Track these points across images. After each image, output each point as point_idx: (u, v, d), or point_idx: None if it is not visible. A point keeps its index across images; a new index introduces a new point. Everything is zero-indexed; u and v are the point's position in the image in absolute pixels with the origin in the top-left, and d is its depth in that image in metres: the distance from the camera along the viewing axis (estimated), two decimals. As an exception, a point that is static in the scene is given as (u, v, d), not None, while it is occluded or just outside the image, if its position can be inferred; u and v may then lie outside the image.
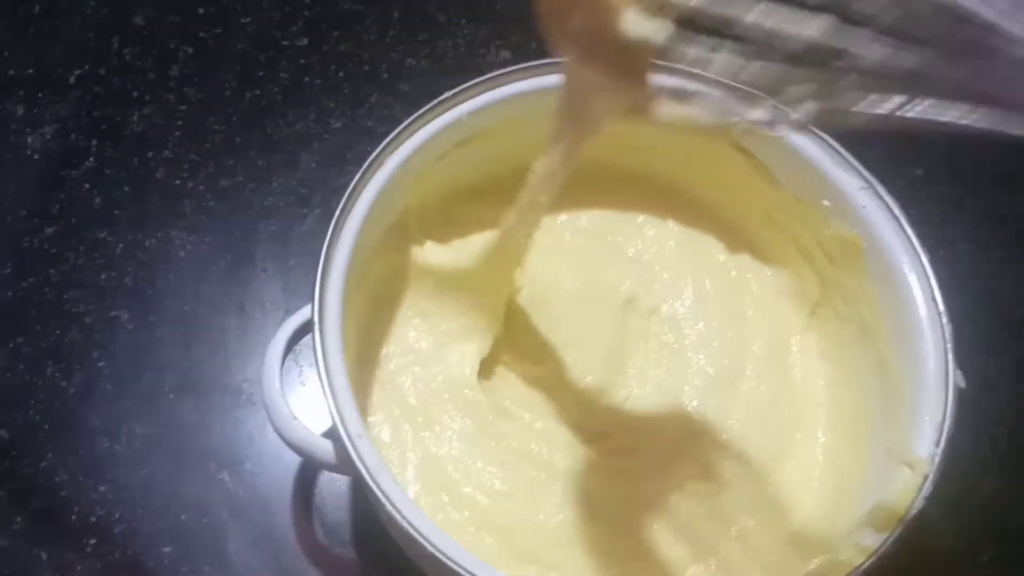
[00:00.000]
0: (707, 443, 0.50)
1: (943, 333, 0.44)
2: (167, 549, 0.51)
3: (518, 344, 0.53)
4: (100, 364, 0.56)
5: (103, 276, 0.59)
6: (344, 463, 0.39)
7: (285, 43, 0.68)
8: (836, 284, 0.51)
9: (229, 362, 0.56)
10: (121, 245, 0.60)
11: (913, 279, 0.46)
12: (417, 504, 0.39)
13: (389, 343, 0.51)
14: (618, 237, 0.57)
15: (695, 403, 0.51)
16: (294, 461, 0.53)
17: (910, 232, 0.47)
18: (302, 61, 0.67)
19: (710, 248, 0.56)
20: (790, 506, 0.49)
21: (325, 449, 0.42)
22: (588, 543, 0.47)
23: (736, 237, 0.57)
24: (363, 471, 0.38)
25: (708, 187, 0.56)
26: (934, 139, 0.68)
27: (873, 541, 0.38)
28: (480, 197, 0.55)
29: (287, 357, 0.53)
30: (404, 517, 0.37)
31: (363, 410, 0.49)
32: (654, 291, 0.55)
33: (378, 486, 0.38)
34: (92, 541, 0.51)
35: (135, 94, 0.65)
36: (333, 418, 0.39)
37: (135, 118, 0.64)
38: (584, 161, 0.55)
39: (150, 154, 0.63)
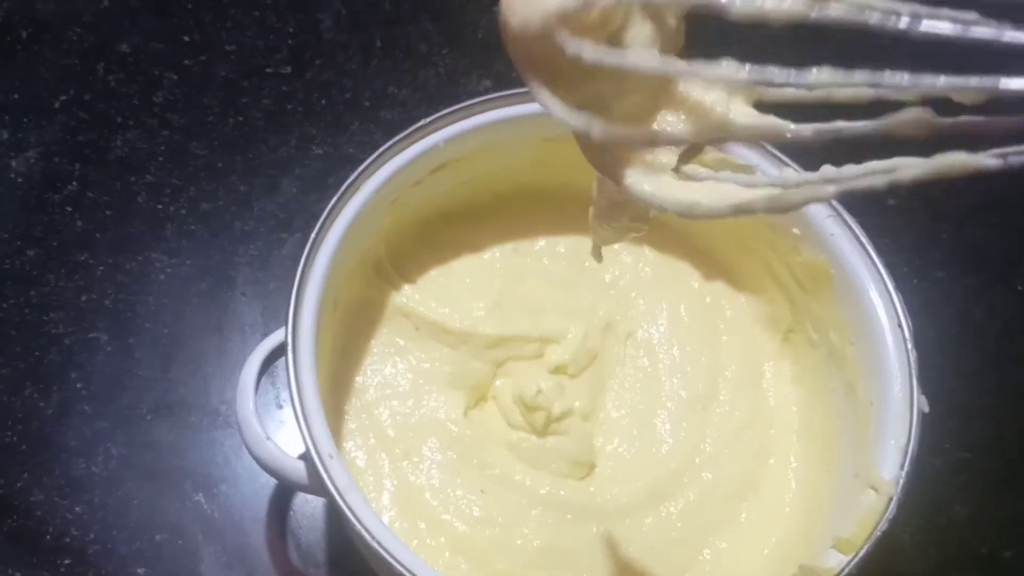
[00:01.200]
0: (681, 467, 0.51)
1: (908, 359, 0.44)
2: (141, 571, 0.51)
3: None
4: (78, 385, 0.56)
5: (83, 298, 0.59)
6: (315, 484, 0.40)
7: (268, 71, 0.69)
8: (807, 310, 0.52)
9: (207, 384, 0.57)
10: (102, 268, 0.60)
11: (879, 305, 0.46)
12: (392, 529, 0.39)
13: (366, 373, 0.52)
14: (595, 263, 0.57)
15: (668, 427, 0.52)
16: (269, 483, 0.54)
17: (876, 260, 0.47)
18: (285, 88, 0.68)
19: (685, 275, 0.57)
20: (763, 529, 0.49)
21: (297, 469, 0.43)
22: (564, 567, 0.47)
23: (711, 264, 0.58)
24: (333, 491, 0.38)
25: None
26: (906, 169, 0.70)
27: (837, 563, 0.39)
28: (457, 221, 0.56)
29: (263, 380, 0.54)
30: (374, 537, 0.37)
31: (337, 435, 0.49)
32: (630, 316, 0.56)
33: (348, 506, 0.38)
34: (66, 561, 0.51)
35: (119, 119, 0.66)
36: (304, 438, 0.39)
37: (119, 143, 0.65)
38: (561, 187, 0.57)
39: (133, 178, 0.64)
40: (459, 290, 0.55)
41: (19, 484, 0.53)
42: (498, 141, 0.52)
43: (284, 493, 0.53)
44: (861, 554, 0.39)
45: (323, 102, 0.68)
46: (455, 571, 0.46)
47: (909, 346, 0.45)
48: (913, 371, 0.44)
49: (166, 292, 0.60)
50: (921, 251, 0.65)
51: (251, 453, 0.44)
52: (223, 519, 0.53)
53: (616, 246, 0.58)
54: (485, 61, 0.70)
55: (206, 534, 0.52)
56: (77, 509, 0.53)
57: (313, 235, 0.45)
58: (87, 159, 0.64)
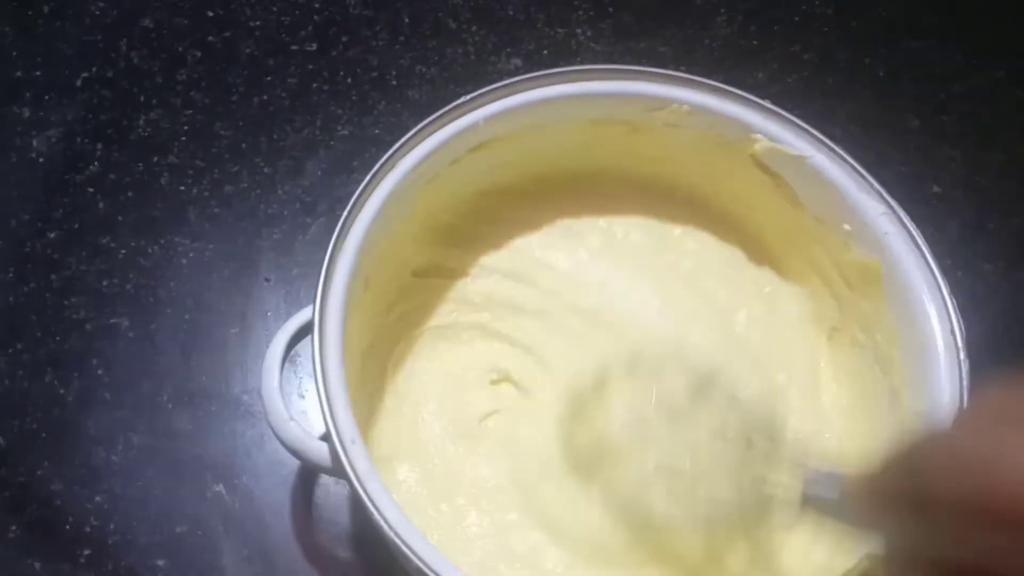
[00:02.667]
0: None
1: (960, 370, 0.42)
2: (161, 563, 0.50)
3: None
4: (99, 372, 0.55)
5: (104, 283, 0.58)
6: (337, 467, 0.39)
7: (294, 48, 0.68)
8: (854, 310, 0.50)
9: (229, 372, 0.56)
10: (123, 251, 0.59)
11: (932, 311, 0.44)
12: (411, 519, 0.38)
13: (399, 360, 0.50)
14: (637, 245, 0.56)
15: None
16: (291, 475, 0.53)
17: (932, 262, 0.45)
18: (310, 66, 0.67)
19: (733, 259, 0.55)
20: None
21: (320, 451, 0.41)
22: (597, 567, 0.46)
23: (759, 254, 0.56)
24: (352, 476, 0.37)
25: (730, 204, 0.55)
26: (952, 155, 0.67)
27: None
28: (500, 203, 0.55)
29: (287, 366, 0.53)
30: (390, 525, 0.36)
31: (366, 418, 0.48)
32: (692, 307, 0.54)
33: (367, 494, 0.37)
34: (86, 552, 0.50)
35: (142, 98, 0.65)
36: (326, 419, 0.38)
37: (141, 122, 0.64)
38: (606, 171, 0.55)
39: (155, 159, 0.62)
40: (505, 269, 0.54)
41: (39, 472, 0.52)
42: (541, 122, 0.50)
43: (306, 484, 0.53)
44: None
45: (349, 80, 0.66)
46: (475, 563, 0.45)
47: (962, 356, 0.42)
48: (965, 384, 0.41)
49: (188, 277, 0.59)
50: (967, 242, 0.62)
51: (275, 432, 0.43)
52: (244, 511, 0.52)
53: (676, 231, 0.56)
54: (515, 39, 0.68)
55: (227, 526, 0.51)
56: (97, 499, 0.52)
57: (346, 212, 0.43)
58: (109, 139, 0.63)
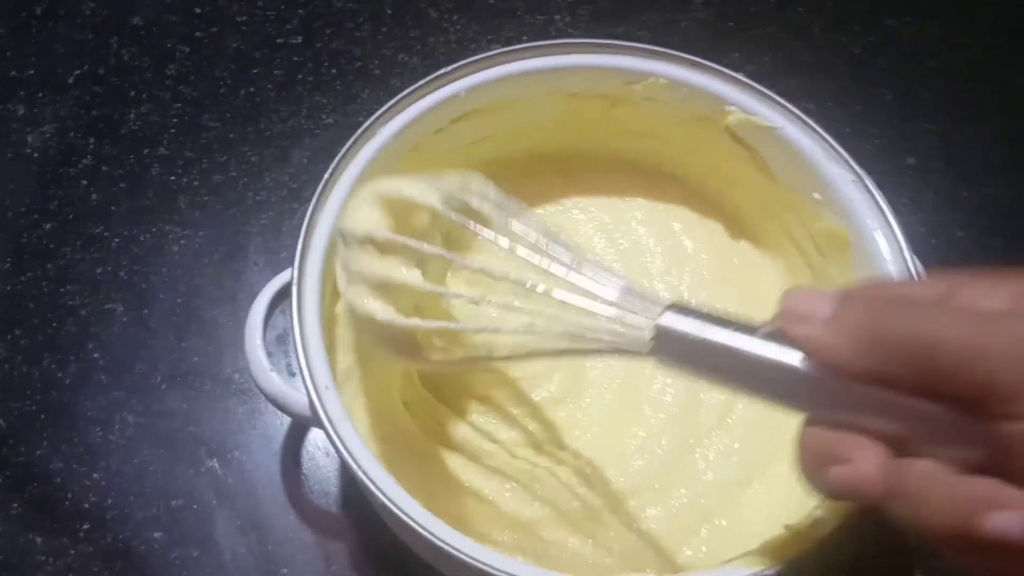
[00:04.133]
0: (698, 443, 0.50)
1: None
2: (157, 535, 0.52)
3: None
4: (95, 355, 0.57)
5: (99, 270, 0.60)
6: (315, 416, 0.40)
7: (279, 41, 0.69)
8: (826, 277, 0.51)
9: (221, 353, 0.57)
10: (116, 240, 0.61)
11: (893, 272, 0.45)
12: (384, 464, 0.40)
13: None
14: (622, 222, 0.57)
15: (692, 399, 0.51)
16: (281, 449, 0.54)
17: (896, 228, 0.46)
18: (295, 58, 0.68)
19: (714, 236, 0.57)
20: (766, 507, 0.48)
21: (297, 400, 0.43)
22: (560, 530, 0.47)
23: (737, 227, 0.57)
24: (326, 422, 0.39)
25: (709, 177, 0.57)
26: (927, 128, 0.68)
27: (823, 524, 0.38)
28: (484, 170, 0.56)
29: (277, 349, 0.55)
30: (362, 469, 0.38)
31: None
32: (659, 275, 0.55)
33: (339, 438, 0.39)
34: (85, 527, 0.52)
35: (132, 93, 0.67)
36: (300, 367, 0.40)
37: (132, 116, 0.66)
38: (588, 147, 0.56)
39: (146, 151, 0.64)
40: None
41: (39, 452, 0.54)
42: (522, 94, 0.52)
43: (295, 455, 0.54)
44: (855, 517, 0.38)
45: (333, 71, 0.68)
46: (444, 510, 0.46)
47: None
48: None
49: (180, 263, 0.60)
50: (941, 210, 0.64)
51: (257, 385, 0.45)
52: (236, 484, 0.53)
53: (652, 205, 0.58)
54: (495, 26, 0.70)
55: (220, 499, 0.53)
56: (95, 476, 0.54)
57: (328, 173, 0.46)
58: (101, 133, 0.65)
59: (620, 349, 0.34)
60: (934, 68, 0.69)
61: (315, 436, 0.55)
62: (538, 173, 0.57)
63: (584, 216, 0.57)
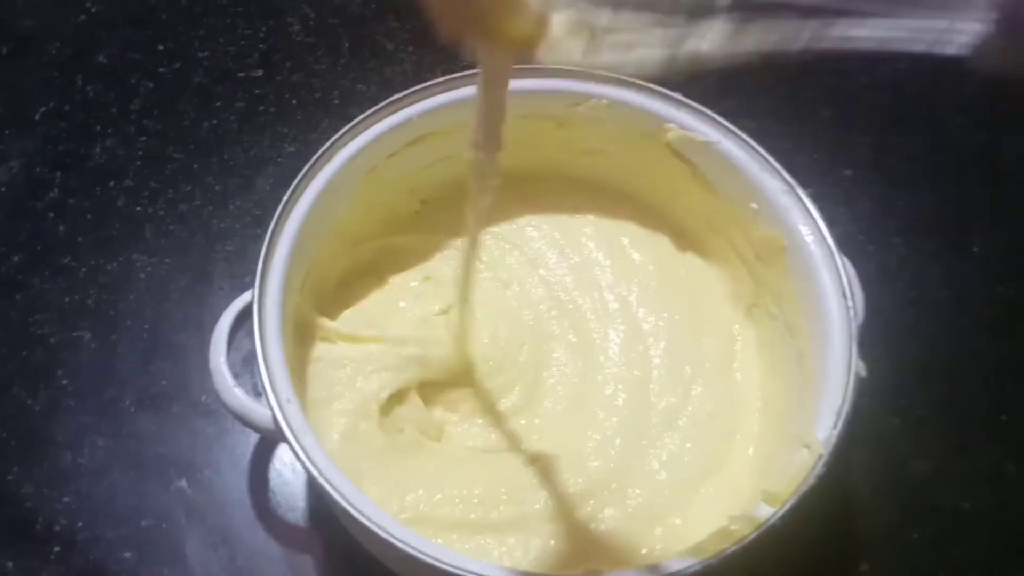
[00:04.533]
0: (651, 444, 0.52)
1: (850, 326, 0.46)
2: (128, 554, 0.53)
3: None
4: (64, 382, 0.58)
5: (67, 299, 0.61)
6: (278, 429, 0.42)
7: (241, 75, 0.72)
8: (766, 284, 0.54)
9: (188, 376, 0.59)
10: (84, 269, 0.63)
11: (826, 276, 0.48)
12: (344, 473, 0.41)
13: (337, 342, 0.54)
14: (573, 238, 0.60)
15: (640, 403, 0.53)
16: (249, 467, 0.56)
17: (825, 231, 0.49)
18: (257, 91, 0.71)
19: (661, 248, 0.59)
20: (718, 505, 0.50)
21: (260, 414, 0.45)
22: (513, 534, 0.49)
23: (683, 240, 0.60)
24: (288, 432, 0.41)
25: (656, 192, 0.59)
26: (861, 141, 0.72)
27: (764, 514, 0.40)
28: (440, 191, 0.58)
29: (243, 371, 0.56)
30: (326, 479, 0.40)
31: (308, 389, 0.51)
32: (607, 287, 0.58)
33: (303, 448, 0.40)
34: (56, 549, 0.53)
35: (98, 127, 0.69)
36: (263, 381, 0.42)
37: (98, 150, 0.68)
38: (539, 167, 0.59)
39: (112, 183, 0.66)
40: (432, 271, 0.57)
41: (9, 477, 0.55)
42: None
43: (263, 472, 0.56)
44: (787, 507, 0.40)
45: (294, 102, 0.70)
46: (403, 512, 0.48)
47: (851, 313, 0.46)
48: (854, 338, 0.45)
49: (146, 290, 0.62)
50: (877, 219, 0.67)
51: (221, 401, 0.46)
52: (206, 502, 0.55)
53: (600, 221, 0.60)
54: (449, 56, 0.71)
55: (190, 517, 0.54)
56: (66, 499, 0.55)
57: (285, 197, 0.48)
58: (68, 167, 0.67)
59: None
60: (865, 84, 0.73)
61: (282, 452, 0.56)
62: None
63: (537, 232, 0.60)
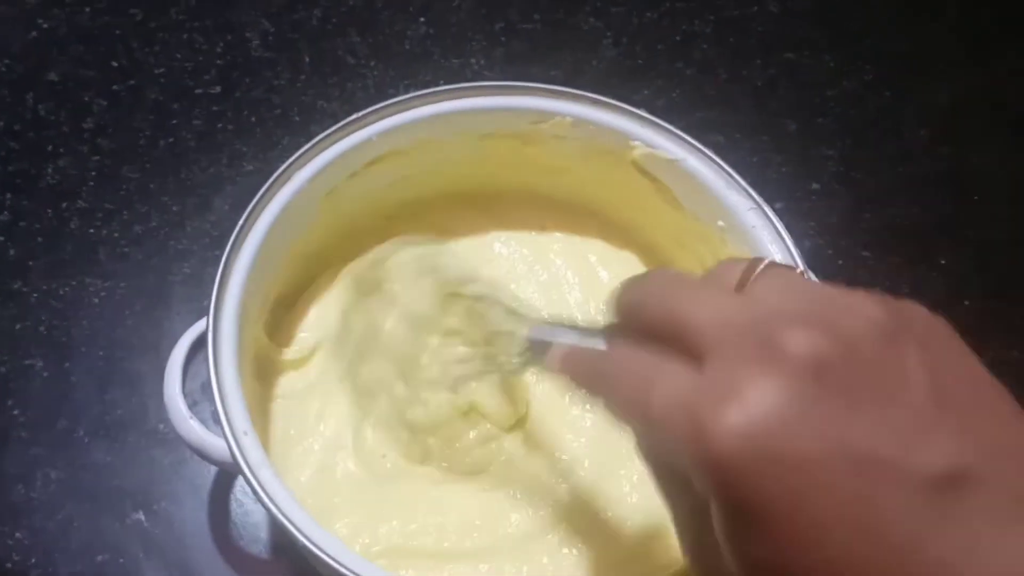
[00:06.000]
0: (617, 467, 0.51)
1: None
2: (83, 592, 0.51)
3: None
4: (15, 412, 0.56)
5: (17, 326, 0.59)
6: (234, 460, 0.41)
7: (198, 91, 0.70)
8: None
9: (145, 404, 0.57)
10: (35, 295, 0.61)
11: None
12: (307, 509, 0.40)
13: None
14: (541, 255, 0.59)
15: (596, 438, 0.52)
16: (209, 498, 0.54)
17: (793, 250, 0.48)
18: (215, 108, 0.69)
19: (629, 266, 0.58)
20: None
21: (217, 446, 0.44)
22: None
23: (651, 257, 0.59)
24: (244, 467, 0.39)
25: (623, 210, 0.59)
26: (828, 155, 0.71)
27: None
28: (403, 210, 0.57)
29: (201, 398, 0.55)
30: (283, 513, 0.38)
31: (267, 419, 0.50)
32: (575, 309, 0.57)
33: (258, 482, 0.39)
34: (8, 588, 0.51)
35: (49, 147, 0.67)
36: (219, 411, 0.41)
37: (49, 170, 0.66)
38: (503, 186, 0.58)
39: (64, 204, 0.64)
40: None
41: (-42, 514, 0.53)
42: (434, 136, 0.53)
43: (222, 504, 0.54)
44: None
45: (253, 119, 0.69)
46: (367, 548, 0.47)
47: None
48: None
49: (101, 315, 0.60)
50: (845, 233, 0.66)
51: (176, 430, 0.45)
52: (164, 535, 0.53)
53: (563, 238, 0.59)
54: (412, 71, 0.72)
55: (147, 551, 0.52)
56: (17, 535, 0.53)
57: (242, 220, 0.46)
58: (18, 188, 0.65)
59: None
60: (832, 97, 0.73)
61: (243, 482, 0.55)
62: (456, 211, 0.59)
63: (505, 250, 0.59)
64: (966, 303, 0.64)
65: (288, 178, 0.49)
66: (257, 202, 0.47)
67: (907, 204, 0.68)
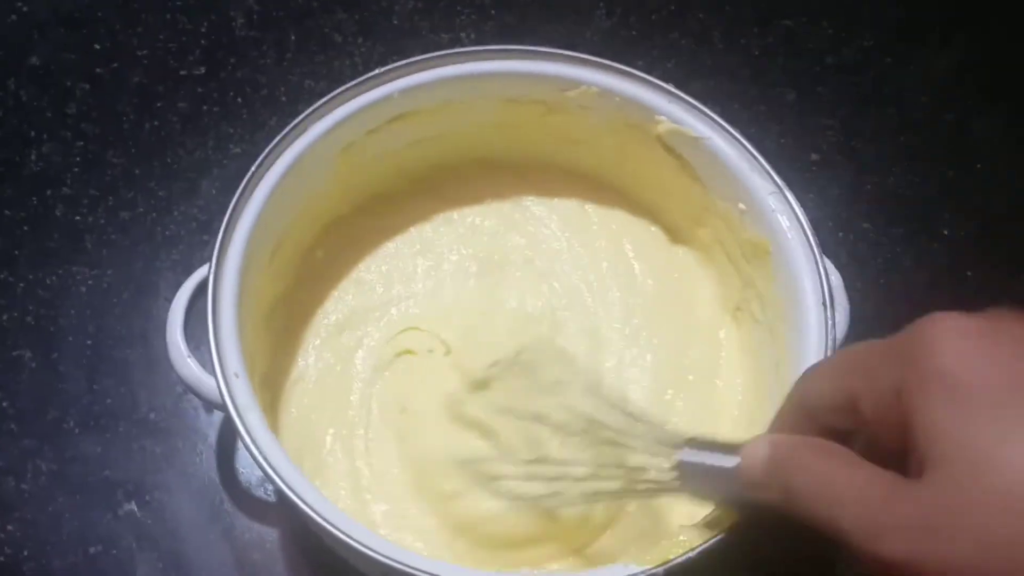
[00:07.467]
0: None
1: (827, 338, 0.44)
2: (76, 584, 0.51)
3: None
4: (3, 404, 0.56)
5: (4, 317, 0.58)
6: (223, 400, 0.41)
7: (183, 73, 0.69)
8: (753, 285, 0.52)
9: (135, 393, 0.56)
10: (22, 285, 0.60)
11: (807, 283, 0.46)
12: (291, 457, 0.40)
13: (312, 326, 0.53)
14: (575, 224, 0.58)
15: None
16: (202, 486, 0.54)
17: (812, 240, 0.47)
18: (199, 90, 0.68)
19: (655, 244, 0.58)
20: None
21: (211, 387, 0.43)
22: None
23: (673, 234, 0.58)
24: (231, 408, 0.39)
25: (645, 185, 0.58)
26: (827, 124, 0.70)
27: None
28: (427, 172, 0.57)
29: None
30: (264, 455, 0.38)
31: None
32: (598, 280, 0.56)
33: (244, 425, 0.39)
34: (0, 581, 0.51)
35: (32, 133, 0.65)
36: (212, 353, 0.41)
37: (33, 157, 0.64)
38: (526, 152, 0.57)
39: (49, 192, 0.63)
40: (415, 255, 0.56)
41: (-52, 507, 0.52)
42: (457, 97, 0.52)
43: (218, 495, 0.54)
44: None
45: (239, 100, 0.68)
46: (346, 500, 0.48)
47: (830, 324, 0.44)
48: (830, 349, 0.44)
49: (88, 304, 0.59)
50: (846, 204, 0.65)
51: (174, 370, 0.45)
52: (156, 526, 0.52)
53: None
54: (401, 47, 0.70)
55: (140, 542, 0.52)
56: (9, 528, 0.52)
57: (252, 169, 0.46)
58: (1, 176, 0.64)
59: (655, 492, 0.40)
60: (831, 65, 0.71)
61: (237, 469, 0.54)
62: (482, 176, 0.58)
63: (522, 217, 0.58)
64: (968, 274, 0.62)
65: (304, 129, 0.48)
66: (271, 150, 0.46)
67: (909, 173, 0.67)
